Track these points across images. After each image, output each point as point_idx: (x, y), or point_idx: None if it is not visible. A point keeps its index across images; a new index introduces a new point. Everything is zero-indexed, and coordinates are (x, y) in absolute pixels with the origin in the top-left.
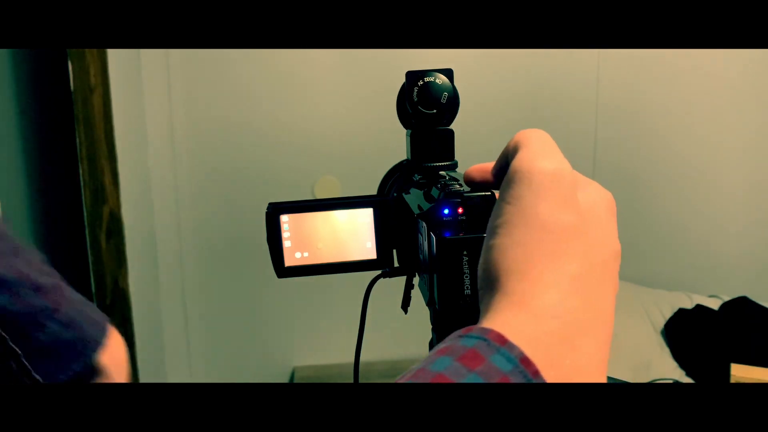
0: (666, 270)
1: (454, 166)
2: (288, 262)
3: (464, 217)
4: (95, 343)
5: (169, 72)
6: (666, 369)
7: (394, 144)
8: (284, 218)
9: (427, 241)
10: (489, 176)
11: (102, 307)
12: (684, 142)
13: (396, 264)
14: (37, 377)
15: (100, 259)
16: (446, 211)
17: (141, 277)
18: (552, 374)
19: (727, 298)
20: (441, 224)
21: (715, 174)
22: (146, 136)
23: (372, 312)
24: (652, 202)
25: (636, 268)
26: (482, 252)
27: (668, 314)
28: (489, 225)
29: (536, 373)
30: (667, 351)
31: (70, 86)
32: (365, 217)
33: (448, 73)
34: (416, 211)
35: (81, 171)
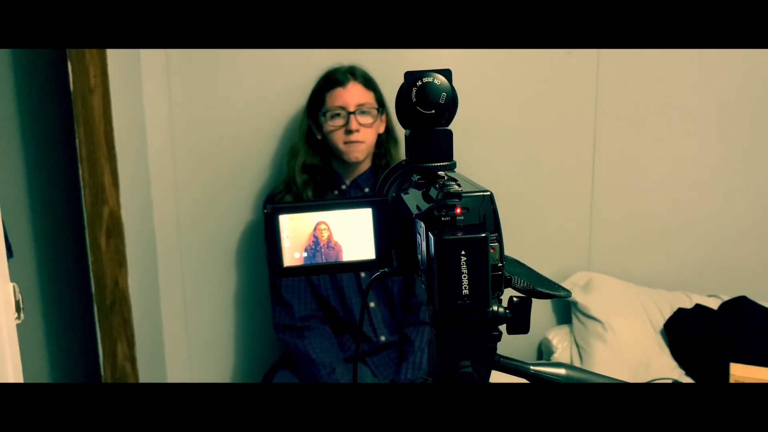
0: (666, 270)
1: (452, 167)
2: (287, 262)
3: (462, 218)
4: None
5: (169, 72)
6: (665, 369)
7: None
8: (283, 218)
9: (425, 241)
10: None
11: (102, 307)
12: (683, 141)
13: (395, 264)
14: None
15: (100, 260)
16: (444, 212)
17: (141, 277)
18: None
19: (726, 298)
20: (439, 225)
21: (715, 173)
22: (146, 136)
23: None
24: (652, 201)
25: (636, 268)
26: None
27: (668, 314)
28: None
29: None
30: (666, 351)
31: (69, 86)
32: (364, 217)
33: (447, 73)
34: (415, 211)
35: (81, 171)
